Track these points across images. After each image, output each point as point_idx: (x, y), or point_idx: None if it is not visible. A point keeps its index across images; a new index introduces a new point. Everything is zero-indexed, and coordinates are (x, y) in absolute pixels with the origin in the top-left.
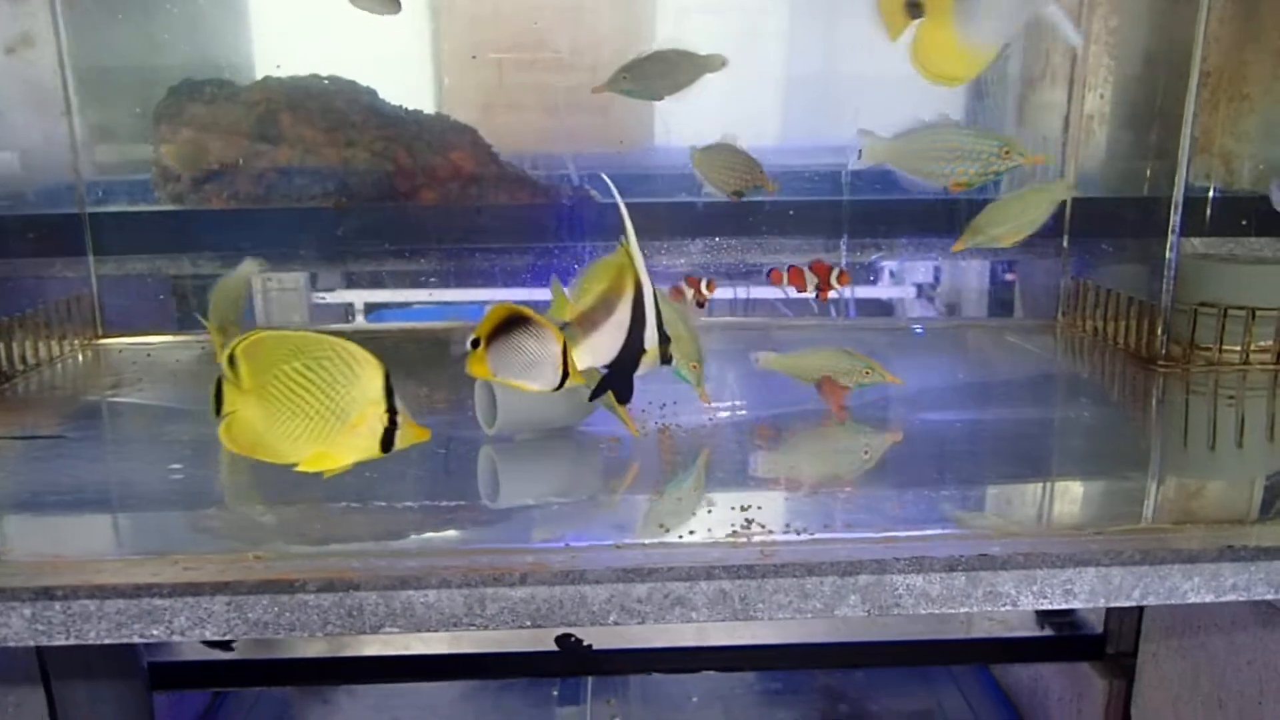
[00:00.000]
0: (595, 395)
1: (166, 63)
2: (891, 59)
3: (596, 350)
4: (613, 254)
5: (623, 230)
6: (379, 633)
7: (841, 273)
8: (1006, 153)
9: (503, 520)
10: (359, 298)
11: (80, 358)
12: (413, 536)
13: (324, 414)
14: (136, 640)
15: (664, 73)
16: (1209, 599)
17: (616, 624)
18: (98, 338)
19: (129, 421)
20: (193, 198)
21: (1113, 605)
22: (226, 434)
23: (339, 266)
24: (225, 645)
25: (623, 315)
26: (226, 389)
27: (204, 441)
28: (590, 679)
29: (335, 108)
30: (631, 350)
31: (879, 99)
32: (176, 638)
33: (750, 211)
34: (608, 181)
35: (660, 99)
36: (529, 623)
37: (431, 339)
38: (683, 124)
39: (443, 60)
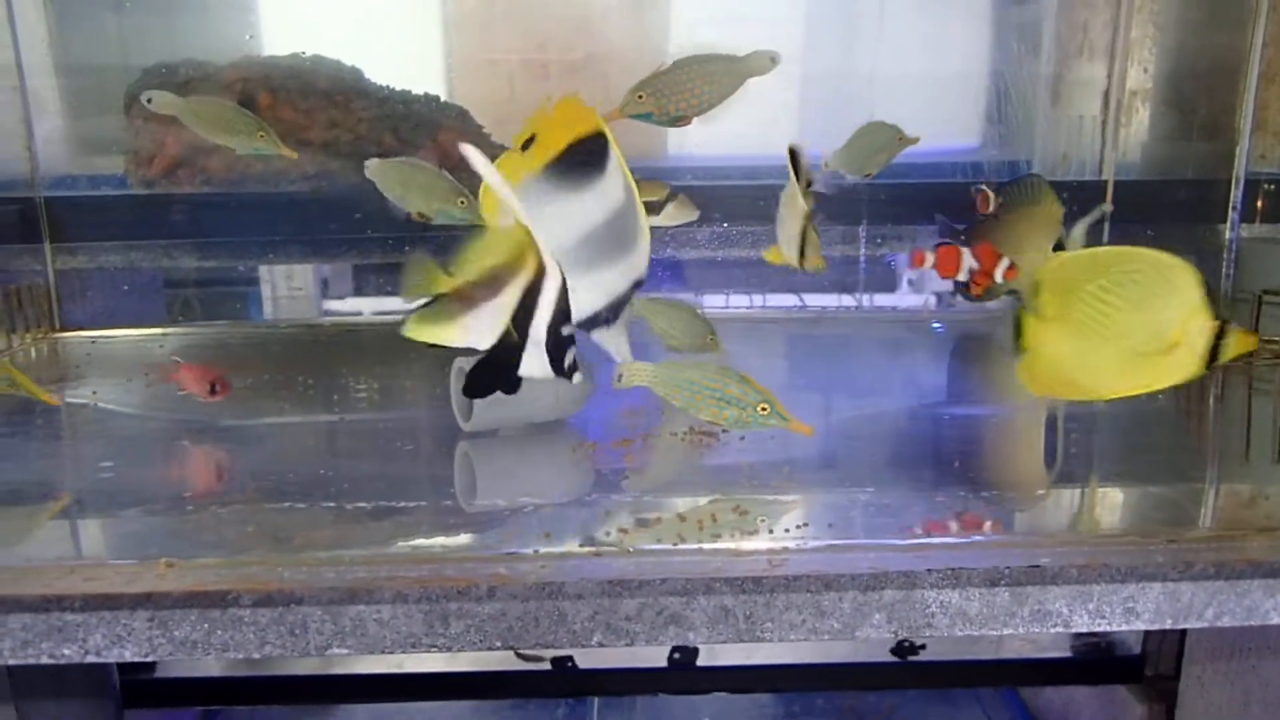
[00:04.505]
0: (471, 392)
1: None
2: (909, 65)
3: (469, 331)
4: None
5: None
6: (325, 654)
7: (1011, 266)
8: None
9: (470, 525)
10: (367, 306)
11: (33, 352)
12: (366, 543)
13: (1138, 335)
14: (45, 660)
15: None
16: None
17: (601, 644)
18: (55, 330)
19: (70, 418)
20: (164, 183)
21: (1183, 626)
22: (1026, 373)
23: (320, 256)
24: None
25: (509, 298)
26: (1026, 322)
27: (149, 437)
28: (596, 700)
29: (317, 88)
30: (511, 342)
31: (896, 106)
32: (91, 657)
33: (762, 196)
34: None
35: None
36: (499, 643)
37: None
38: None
39: (454, 70)
